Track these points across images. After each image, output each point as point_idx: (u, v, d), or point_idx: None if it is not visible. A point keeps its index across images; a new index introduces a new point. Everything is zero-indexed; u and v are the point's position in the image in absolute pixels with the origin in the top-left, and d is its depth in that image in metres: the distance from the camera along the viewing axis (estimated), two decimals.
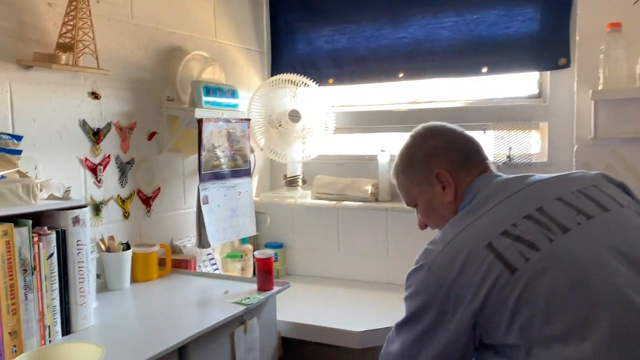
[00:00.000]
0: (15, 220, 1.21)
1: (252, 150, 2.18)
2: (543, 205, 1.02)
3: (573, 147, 1.92)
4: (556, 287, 0.91)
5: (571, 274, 0.92)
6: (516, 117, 2.07)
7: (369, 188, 2.24)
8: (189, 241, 2.05)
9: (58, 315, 1.30)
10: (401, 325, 1.09)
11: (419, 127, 1.27)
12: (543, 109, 2.06)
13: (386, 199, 2.25)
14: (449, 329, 0.99)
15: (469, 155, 1.19)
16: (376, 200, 2.26)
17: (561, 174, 1.14)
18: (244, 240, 2.33)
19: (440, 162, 1.18)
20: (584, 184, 1.08)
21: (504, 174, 1.18)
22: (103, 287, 1.70)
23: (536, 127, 2.07)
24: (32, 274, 1.23)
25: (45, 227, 1.28)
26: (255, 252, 1.71)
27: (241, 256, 2.24)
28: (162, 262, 1.88)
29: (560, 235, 0.96)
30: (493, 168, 1.21)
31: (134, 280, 1.77)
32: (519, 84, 2.16)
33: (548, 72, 2.04)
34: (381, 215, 2.22)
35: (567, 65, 1.97)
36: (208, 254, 2.12)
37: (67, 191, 1.40)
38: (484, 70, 2.11)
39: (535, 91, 2.12)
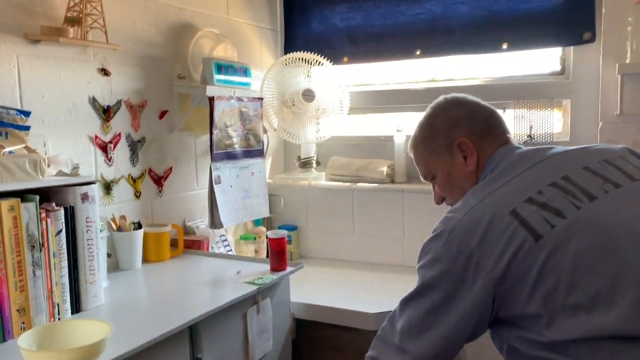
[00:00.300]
0: (22, 195, 1.19)
1: (265, 131, 2.14)
2: (569, 173, 0.99)
3: (597, 125, 1.85)
4: (582, 254, 0.88)
5: (598, 242, 0.88)
6: (537, 95, 2.00)
7: (385, 169, 2.19)
8: (201, 222, 2.03)
9: (67, 293, 1.28)
10: (411, 298, 1.03)
11: (440, 98, 1.23)
12: (566, 86, 1.98)
13: (402, 181, 2.20)
14: (467, 298, 0.95)
15: (492, 126, 1.16)
16: (392, 181, 2.21)
17: (585, 145, 1.11)
18: (257, 222, 2.30)
19: (462, 131, 1.14)
20: (609, 154, 1.05)
21: (525, 147, 1.13)
22: (114, 266, 1.68)
23: (558, 104, 2.00)
24: (40, 250, 1.21)
25: (53, 204, 1.26)
26: (268, 232, 1.68)
27: (255, 238, 2.21)
28: (174, 243, 1.86)
29: (587, 203, 0.93)
30: (514, 141, 1.17)
31: (145, 260, 1.75)
32: (540, 60, 2.08)
33: (571, 48, 1.96)
34: (397, 197, 2.17)
35: (591, 39, 1.89)
36: (221, 236, 2.09)
37: (76, 167, 1.37)
38: (504, 46, 2.04)
39: (558, 67, 2.04)
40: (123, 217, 1.70)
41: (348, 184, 2.24)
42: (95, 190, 1.34)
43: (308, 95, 2.20)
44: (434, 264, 0.99)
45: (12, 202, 1.15)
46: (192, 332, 1.32)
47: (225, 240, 2.11)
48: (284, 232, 1.67)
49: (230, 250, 2.11)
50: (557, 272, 0.88)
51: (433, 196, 1.26)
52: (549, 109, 1.98)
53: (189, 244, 1.92)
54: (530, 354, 0.92)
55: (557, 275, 0.88)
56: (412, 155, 1.26)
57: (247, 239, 2.20)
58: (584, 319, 0.85)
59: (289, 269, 1.66)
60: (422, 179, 1.26)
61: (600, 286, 0.85)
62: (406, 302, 1.04)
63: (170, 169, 1.91)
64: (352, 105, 2.27)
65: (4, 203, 1.13)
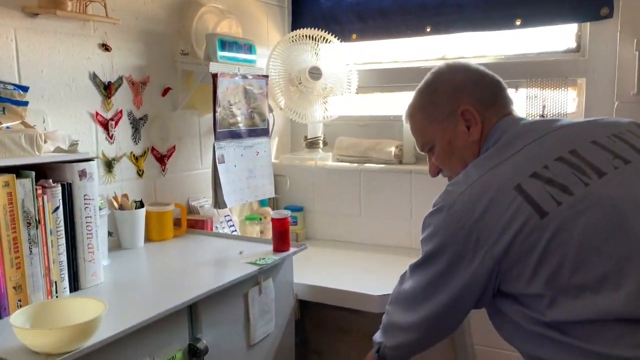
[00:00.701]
0: (18, 171, 1.17)
1: (270, 110, 2.10)
2: (577, 147, 0.94)
3: (612, 104, 1.79)
4: (589, 233, 0.84)
5: (606, 220, 0.84)
6: (551, 73, 1.93)
7: (393, 150, 2.14)
8: (205, 202, 2.00)
9: (65, 271, 1.26)
10: (416, 267, 1.05)
11: (442, 64, 1.17)
12: (581, 63, 1.91)
13: (411, 162, 2.16)
14: (465, 274, 0.93)
15: (497, 96, 1.10)
16: (400, 162, 2.17)
17: (592, 118, 1.06)
18: (263, 203, 2.27)
19: (467, 98, 1.08)
20: (618, 128, 1.00)
21: (529, 118, 1.09)
22: (116, 245, 1.66)
23: (573, 83, 1.93)
24: (37, 227, 1.19)
25: (50, 180, 1.24)
26: (271, 212, 1.65)
27: (260, 219, 2.19)
28: (177, 222, 1.84)
29: (595, 179, 0.89)
30: (517, 113, 1.12)
31: (148, 239, 1.73)
32: (555, 37, 2.01)
33: (588, 24, 1.89)
34: (405, 178, 2.13)
35: (609, 15, 1.81)
36: (226, 216, 2.07)
37: (74, 144, 1.35)
38: (518, 23, 1.97)
39: (573, 45, 1.97)
40: (125, 196, 1.68)
41: (355, 164, 2.20)
42: (94, 167, 1.32)
43: (315, 73, 2.16)
44: (434, 236, 0.98)
45: (7, 177, 1.13)
46: (192, 312, 1.30)
47: (230, 220, 2.08)
48: (287, 212, 1.64)
49: (235, 230, 2.09)
50: (562, 252, 0.84)
51: (428, 168, 1.21)
52: (563, 88, 1.92)
53: (193, 223, 1.89)
54: (531, 329, 0.89)
55: (562, 255, 0.84)
56: (408, 124, 1.20)
57: (253, 220, 2.17)
58: (589, 300, 0.82)
59: (292, 249, 1.64)
60: (418, 149, 1.20)
61: (608, 266, 0.82)
62: (414, 268, 1.06)
63: (174, 147, 1.88)
64: (360, 84, 2.22)
65: None
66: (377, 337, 1.19)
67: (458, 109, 1.08)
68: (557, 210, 0.86)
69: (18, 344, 0.97)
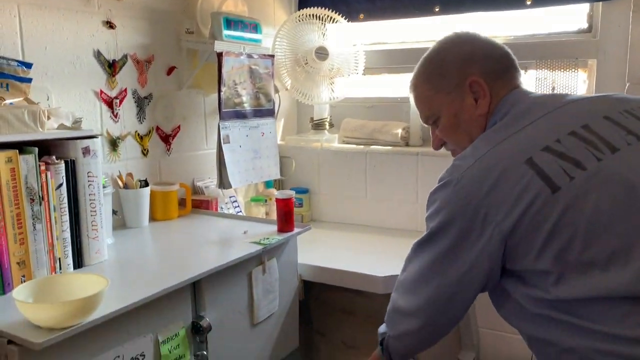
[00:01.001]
0: (21, 148, 1.16)
1: (276, 90, 2.08)
2: (589, 122, 0.92)
3: (624, 86, 1.76)
4: (601, 209, 0.82)
5: (619, 196, 0.83)
6: (562, 55, 1.90)
7: (400, 131, 2.12)
8: (210, 182, 2.00)
9: (69, 248, 1.27)
10: (420, 245, 1.02)
11: (450, 33, 1.13)
12: (593, 44, 1.87)
13: (417, 144, 2.14)
14: (472, 250, 0.91)
15: (507, 68, 1.07)
16: (407, 144, 2.15)
17: (603, 94, 1.03)
18: (268, 184, 2.26)
19: (475, 69, 1.05)
20: (630, 105, 0.97)
21: (538, 92, 1.06)
22: (121, 224, 1.66)
23: (583, 65, 1.89)
24: (40, 204, 1.19)
25: (54, 157, 1.23)
26: (276, 192, 1.64)
27: (265, 200, 2.18)
28: (182, 203, 1.84)
29: (608, 155, 0.87)
30: (525, 86, 1.09)
31: (152, 218, 1.74)
32: (566, 17, 1.97)
33: (600, 3, 1.85)
34: (411, 160, 2.11)
35: None
36: (231, 197, 2.06)
37: (78, 121, 1.34)
38: (528, 2, 1.93)
39: (585, 25, 1.93)
40: (130, 175, 1.67)
41: (361, 146, 2.19)
42: (98, 145, 1.31)
43: (322, 53, 2.13)
44: (440, 212, 0.94)
45: (9, 153, 1.13)
46: (195, 290, 1.30)
47: (235, 201, 2.08)
48: (291, 193, 1.63)
49: (240, 211, 2.08)
50: (572, 227, 0.82)
51: (432, 141, 1.17)
52: (574, 70, 1.88)
53: (198, 203, 1.89)
54: (533, 311, 0.88)
55: (572, 231, 0.82)
56: (412, 94, 1.16)
57: (258, 201, 2.17)
58: (596, 277, 0.80)
59: (296, 230, 1.63)
60: (422, 122, 1.17)
61: (617, 244, 0.80)
62: (417, 247, 1.03)
63: (179, 127, 1.87)
64: (367, 65, 2.20)
65: (1, 154, 1.11)
66: (382, 328, 1.16)
67: (466, 80, 1.05)
68: (569, 185, 0.84)
69: (21, 318, 0.97)
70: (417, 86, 1.14)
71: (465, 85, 1.05)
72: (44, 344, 0.92)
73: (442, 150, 1.21)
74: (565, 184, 0.84)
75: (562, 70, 1.90)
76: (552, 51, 1.92)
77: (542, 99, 1.02)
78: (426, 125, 1.17)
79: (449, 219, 0.93)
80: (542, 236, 0.84)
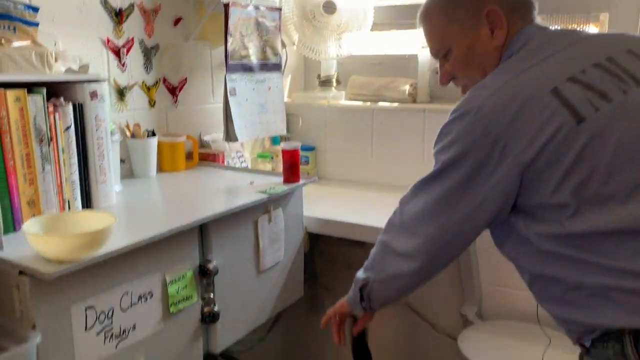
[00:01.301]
0: (29, 88, 1.17)
1: (283, 45, 2.07)
2: (613, 55, 0.90)
3: None
4: (625, 142, 0.81)
5: None
6: (572, 9, 1.86)
7: (407, 88, 2.10)
8: (217, 136, 2.00)
9: (78, 191, 1.28)
10: (426, 181, 0.98)
11: None
12: None
13: (425, 100, 2.12)
14: (486, 184, 0.88)
15: (523, 1, 1.03)
16: (414, 101, 2.13)
17: (621, 32, 1.02)
18: (275, 141, 2.27)
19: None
20: None
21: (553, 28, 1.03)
22: (129, 174, 1.68)
23: (595, 19, 1.86)
24: (49, 145, 1.20)
25: (62, 98, 1.24)
26: (282, 144, 1.65)
27: (272, 157, 2.19)
28: (189, 156, 1.85)
29: (634, 88, 0.86)
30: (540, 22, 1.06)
31: (160, 170, 1.75)
32: None
33: None
34: (418, 117, 2.10)
35: None
36: (237, 152, 2.07)
37: (84, 65, 1.34)
38: None
39: None
40: (137, 125, 1.68)
41: (368, 103, 2.18)
42: (105, 89, 1.32)
43: (329, 7, 2.11)
44: (453, 145, 0.91)
45: (18, 92, 1.13)
46: (202, 234, 1.32)
47: (242, 156, 2.09)
48: (297, 144, 1.63)
49: (247, 166, 2.09)
50: (595, 159, 0.81)
51: (440, 76, 1.12)
52: (585, 24, 1.85)
53: (204, 157, 1.90)
54: (542, 247, 0.88)
55: (594, 163, 0.81)
56: (423, 26, 1.11)
57: (265, 158, 2.18)
58: (615, 210, 0.80)
59: (302, 181, 1.64)
60: (431, 55, 1.13)
61: (639, 177, 0.80)
62: (421, 185, 0.99)
63: (185, 79, 1.87)
64: (375, 21, 2.17)
65: (9, 93, 1.11)
66: (361, 274, 1.13)
67: (483, 9, 1.00)
68: (594, 116, 0.83)
69: (32, 253, 0.99)
70: (430, 16, 1.08)
71: (481, 15, 1.00)
72: (54, 274, 0.94)
73: (450, 107, 1.18)
74: (590, 115, 0.83)
75: (573, 24, 1.87)
76: (563, 4, 1.88)
77: (560, 32, 0.99)
78: (435, 59, 1.13)
79: (464, 150, 0.89)
80: (563, 168, 0.82)
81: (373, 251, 1.12)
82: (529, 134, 0.84)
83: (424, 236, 0.98)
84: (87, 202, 1.31)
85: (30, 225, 1.00)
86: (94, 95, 1.29)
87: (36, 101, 1.17)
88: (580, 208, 0.82)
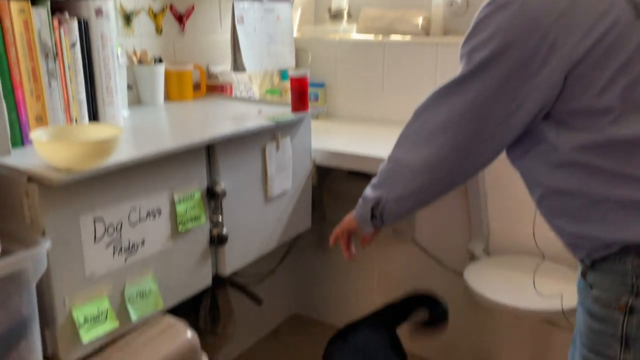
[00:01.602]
0: (33, 1, 1.14)
1: None
2: None
3: None
4: None
5: None
6: None
7: (420, 21, 2.05)
8: (225, 68, 1.97)
9: (85, 109, 1.28)
10: (452, 86, 0.86)
11: None
12: None
13: (438, 34, 2.06)
14: (527, 85, 0.79)
15: None
16: (427, 34, 2.08)
17: None
18: (284, 76, 2.23)
19: None
20: None
21: None
22: (136, 101, 1.67)
23: None
24: (55, 60, 1.18)
25: (67, 13, 1.21)
26: (290, 72, 1.62)
27: (280, 93, 2.16)
28: (197, 86, 1.82)
29: None
30: None
31: (167, 99, 1.73)
32: None
33: None
34: (431, 51, 2.05)
35: None
36: (246, 85, 2.04)
37: None
38: None
39: None
40: (144, 52, 1.66)
41: (380, 37, 2.12)
42: (110, 6, 1.29)
43: None
44: (492, 40, 0.80)
45: (22, 4, 1.11)
46: (210, 155, 1.32)
47: (250, 90, 2.06)
48: (305, 71, 1.60)
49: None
50: None
51: None
52: None
53: (212, 88, 1.88)
54: (569, 158, 0.82)
55: None
56: None
57: (273, 93, 2.15)
58: None
59: (310, 110, 1.62)
60: None
61: None
62: (446, 90, 0.89)
63: (192, 7, 1.82)
64: None
65: (13, 4, 1.09)
66: (370, 192, 1.05)
67: None
68: None
69: (40, 162, 0.99)
70: None
71: None
72: (62, 181, 0.94)
73: None
74: None
75: None
76: None
77: None
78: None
79: (505, 46, 0.79)
80: (613, 67, 0.77)
81: (383, 168, 1.06)
82: (582, 28, 0.76)
83: (448, 146, 0.89)
84: (94, 121, 1.30)
85: (38, 134, 1.00)
86: (99, 12, 1.26)
87: (40, 14, 1.14)
88: (624, 113, 0.77)
